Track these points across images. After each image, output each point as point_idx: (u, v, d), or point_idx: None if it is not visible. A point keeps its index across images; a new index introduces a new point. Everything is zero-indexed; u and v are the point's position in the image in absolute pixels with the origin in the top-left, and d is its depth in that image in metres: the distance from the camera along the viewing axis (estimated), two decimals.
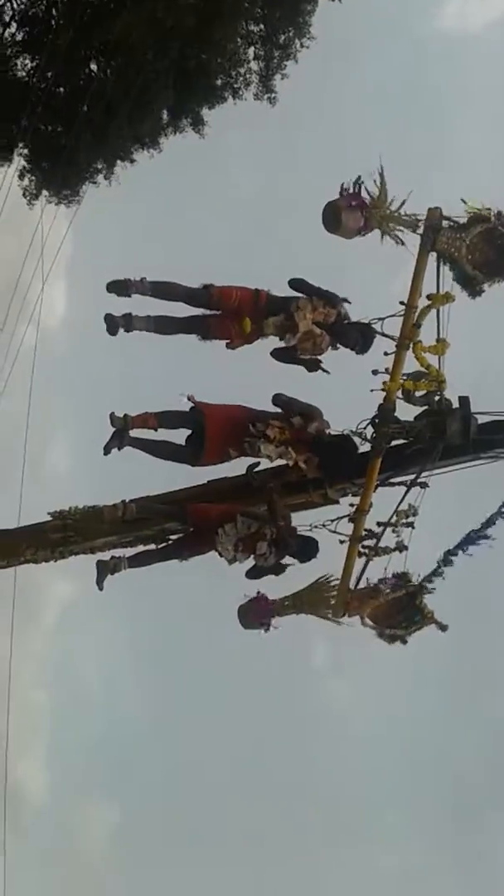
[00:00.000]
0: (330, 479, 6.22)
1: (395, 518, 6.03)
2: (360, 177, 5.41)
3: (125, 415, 5.97)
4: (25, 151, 15.63)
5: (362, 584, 6.12)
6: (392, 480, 6.19)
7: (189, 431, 6.23)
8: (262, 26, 14.97)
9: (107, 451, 6.04)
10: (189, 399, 6.12)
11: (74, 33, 14.05)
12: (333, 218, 5.50)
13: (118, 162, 15.97)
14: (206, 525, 5.93)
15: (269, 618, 5.88)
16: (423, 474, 6.18)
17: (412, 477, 6.17)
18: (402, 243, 5.60)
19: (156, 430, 6.08)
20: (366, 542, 6.10)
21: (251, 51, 15.29)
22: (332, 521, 6.05)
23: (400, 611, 6.15)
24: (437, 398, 5.96)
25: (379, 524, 6.02)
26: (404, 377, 5.86)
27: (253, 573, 5.98)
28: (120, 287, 6.01)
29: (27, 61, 15.19)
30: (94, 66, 15.06)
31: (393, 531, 6.04)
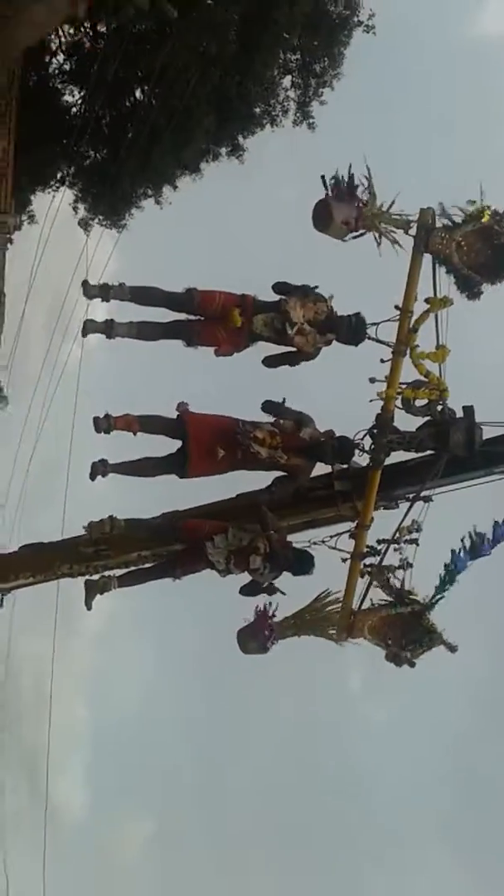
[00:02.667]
0: (359, 491, 5.66)
1: (397, 535, 5.47)
2: (338, 171, 4.88)
3: (107, 414, 5.57)
4: (74, 178, 15.55)
5: (366, 604, 5.55)
6: (396, 496, 5.64)
7: (174, 442, 5.78)
8: (298, 55, 14.47)
9: (92, 478, 5.66)
10: (177, 408, 5.65)
11: (120, 63, 13.91)
12: (324, 214, 5.09)
13: (164, 186, 15.83)
14: (199, 541, 5.46)
15: (270, 641, 5.35)
16: (431, 489, 5.64)
17: (415, 491, 5.59)
18: (397, 243, 5.08)
19: (135, 435, 5.64)
20: (368, 560, 5.54)
21: (288, 79, 14.83)
22: (332, 537, 5.51)
23: (407, 631, 5.58)
24: (439, 408, 5.39)
25: (380, 541, 5.47)
26: (404, 385, 5.32)
27: (247, 590, 5.48)
28: (97, 292, 5.62)
29: (74, 90, 15.17)
30: (138, 94, 14.90)
31: (396, 548, 5.47)
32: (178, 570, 5.63)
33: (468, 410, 5.49)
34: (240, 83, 14.56)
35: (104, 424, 5.53)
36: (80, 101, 14.96)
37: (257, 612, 5.40)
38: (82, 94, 14.82)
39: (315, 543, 5.57)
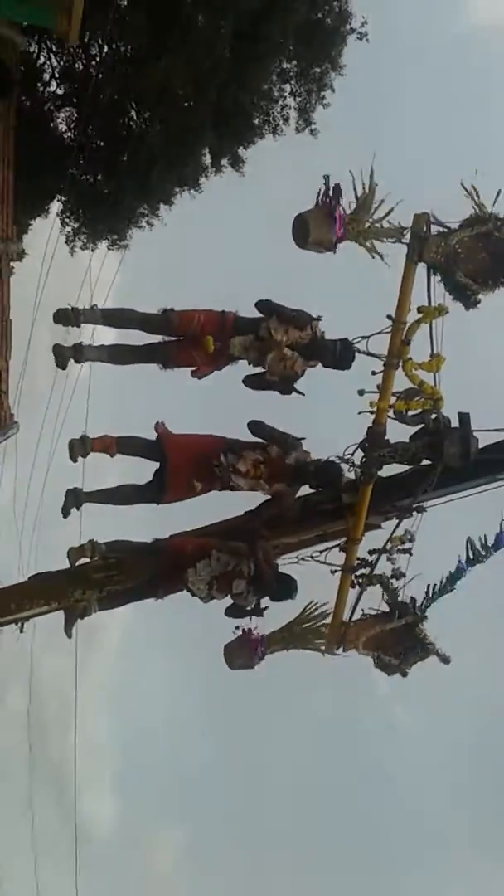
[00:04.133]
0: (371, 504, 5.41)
1: (389, 545, 5.23)
2: (327, 179, 4.59)
3: (83, 436, 5.30)
4: (66, 200, 15.44)
5: (357, 615, 5.32)
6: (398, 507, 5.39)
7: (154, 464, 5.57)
8: (295, 63, 14.24)
9: (65, 513, 5.40)
10: (155, 428, 5.39)
11: (114, 86, 13.68)
12: (302, 232, 4.80)
13: (160, 205, 15.62)
14: (182, 561, 5.27)
15: (258, 656, 5.12)
16: (428, 500, 5.40)
17: (409, 504, 5.35)
18: (382, 258, 4.82)
19: (112, 457, 5.35)
20: (360, 572, 5.30)
21: (287, 87, 14.61)
22: (322, 551, 5.29)
23: (399, 642, 5.35)
24: (433, 417, 5.14)
25: (371, 552, 5.23)
26: (397, 395, 5.06)
27: (232, 612, 5.24)
28: (67, 317, 5.34)
29: (67, 114, 15.06)
30: (133, 115, 14.71)
31: (388, 559, 5.24)
32: (160, 591, 5.42)
33: (463, 418, 5.30)
34: (236, 97, 14.29)
35: (80, 449, 5.23)
36: (74, 126, 14.77)
37: (244, 628, 5.15)
38: (77, 118, 14.61)
39: (304, 559, 5.31)
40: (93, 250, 16.16)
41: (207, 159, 15.24)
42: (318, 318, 5.41)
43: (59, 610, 5.58)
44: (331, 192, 4.61)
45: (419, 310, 5.00)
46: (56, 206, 15.95)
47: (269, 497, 5.44)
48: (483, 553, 5.40)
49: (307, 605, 5.35)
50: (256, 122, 15.03)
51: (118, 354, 5.46)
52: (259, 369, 5.43)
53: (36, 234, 16.54)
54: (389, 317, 4.94)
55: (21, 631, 5.79)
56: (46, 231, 15.63)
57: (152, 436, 5.50)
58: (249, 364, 5.45)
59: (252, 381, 5.50)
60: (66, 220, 15.91)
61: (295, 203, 4.77)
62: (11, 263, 14.34)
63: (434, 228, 4.84)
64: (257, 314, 5.44)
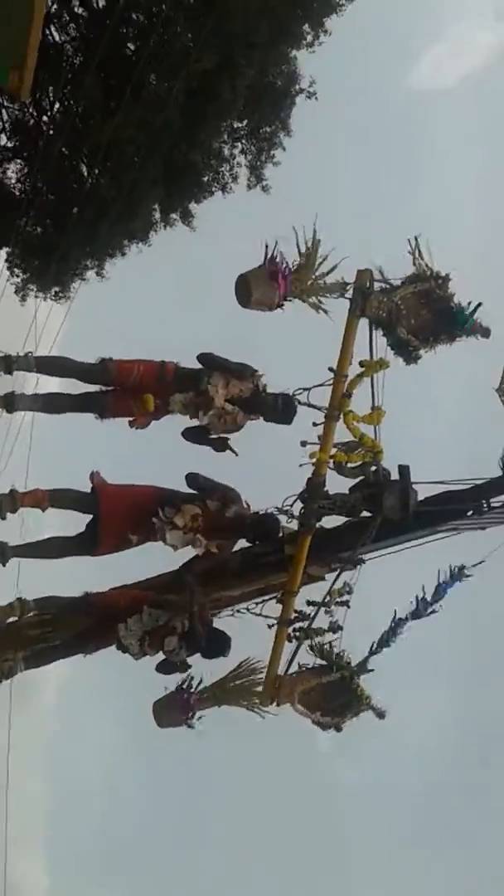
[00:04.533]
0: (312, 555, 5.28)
1: (328, 598, 5.13)
2: (276, 242, 4.56)
3: (12, 490, 5.08)
4: (13, 250, 15.36)
5: (292, 670, 5.17)
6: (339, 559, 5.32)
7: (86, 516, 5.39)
8: (245, 122, 14.56)
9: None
10: (91, 478, 5.24)
11: (64, 140, 13.77)
12: (244, 292, 4.74)
13: (107, 258, 15.70)
14: (113, 616, 5.06)
15: (190, 713, 4.91)
16: (371, 552, 5.35)
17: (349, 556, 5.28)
18: (326, 312, 4.81)
19: (44, 511, 5.16)
20: (297, 625, 5.18)
21: (238, 145, 14.91)
22: (258, 603, 5.16)
23: (335, 696, 5.21)
24: (373, 469, 5.11)
25: (309, 603, 5.12)
26: (338, 447, 5.02)
27: (163, 668, 5.05)
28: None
29: (17, 166, 15.08)
30: (83, 169, 14.76)
31: (326, 611, 5.13)
32: (90, 646, 5.24)
33: (403, 471, 5.27)
34: (186, 154, 14.49)
35: (9, 505, 5.03)
36: (24, 178, 14.80)
37: (177, 686, 4.96)
38: (27, 171, 14.66)
39: (240, 612, 5.17)
40: (45, 299, 16.13)
41: (157, 214, 15.42)
42: (259, 373, 5.34)
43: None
44: (272, 254, 4.60)
45: (361, 363, 5.01)
46: (2, 256, 15.85)
47: (203, 552, 5.27)
48: (423, 608, 5.35)
49: (242, 662, 5.18)
50: (206, 179, 15.25)
51: (52, 404, 5.33)
52: (198, 422, 5.33)
53: None
54: (331, 369, 4.94)
55: None
56: None
57: (87, 487, 5.33)
58: (190, 419, 5.35)
59: (191, 435, 5.41)
60: (14, 269, 15.84)
61: (246, 257, 4.77)
62: None
63: (377, 285, 4.90)
64: (198, 365, 5.37)
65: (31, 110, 14.54)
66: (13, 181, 15.03)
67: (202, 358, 5.35)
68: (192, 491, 5.35)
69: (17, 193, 14.98)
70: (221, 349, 5.51)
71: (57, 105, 14.06)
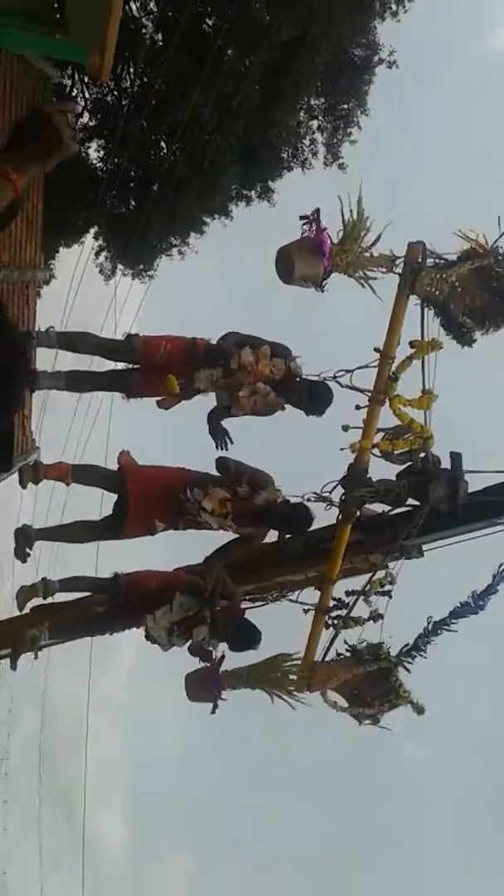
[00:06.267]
0: (372, 542, 4.96)
1: (368, 587, 4.76)
2: (316, 211, 4.11)
3: (37, 462, 4.84)
4: (99, 231, 15.19)
5: (329, 657, 4.85)
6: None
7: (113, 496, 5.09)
8: (322, 100, 13.95)
9: (19, 555, 4.85)
10: (118, 458, 4.95)
11: (144, 118, 13.47)
12: (286, 267, 4.32)
13: (190, 234, 15.37)
14: (142, 598, 4.83)
15: (219, 690, 4.64)
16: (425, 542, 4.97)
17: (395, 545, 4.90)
18: (373, 290, 4.36)
19: (68, 486, 4.90)
20: (335, 613, 4.84)
21: (314, 123, 14.31)
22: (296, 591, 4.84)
23: (372, 688, 4.85)
24: (421, 455, 4.69)
25: (348, 593, 4.77)
26: (385, 433, 4.62)
27: (196, 651, 4.77)
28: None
29: (98, 146, 14.78)
30: (162, 147, 14.46)
31: (366, 600, 4.77)
32: (116, 627, 4.97)
33: (455, 459, 4.82)
34: (264, 131, 14.03)
35: (31, 476, 4.78)
36: (105, 157, 14.60)
37: (210, 664, 4.71)
38: (107, 149, 14.42)
39: (274, 599, 4.85)
40: (130, 278, 16.00)
41: (235, 191, 15.02)
42: (295, 356, 4.92)
43: (65, 642, 5.11)
44: (316, 224, 4.17)
45: (411, 344, 4.58)
46: (84, 236, 15.77)
47: (237, 536, 4.97)
48: (472, 605, 4.92)
49: (277, 655, 4.79)
50: (284, 155, 14.78)
51: (76, 382, 5.01)
52: (224, 402, 4.94)
53: (64, 262, 16.33)
54: (377, 349, 4.53)
55: (35, 657, 5.22)
56: (74, 258, 15.42)
57: (116, 466, 5.03)
58: (217, 401, 4.96)
59: (214, 416, 4.98)
60: (100, 249, 15.74)
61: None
62: (38, 289, 14.18)
63: (429, 260, 4.45)
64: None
65: (111, 89, 14.28)
66: (95, 160, 14.81)
67: (230, 336, 4.94)
68: (222, 476, 4.99)
69: (100, 173, 14.80)
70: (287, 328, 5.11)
71: (137, 82, 13.75)
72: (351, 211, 4.31)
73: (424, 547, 5.15)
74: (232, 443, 4.91)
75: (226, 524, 4.80)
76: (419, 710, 4.91)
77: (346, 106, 14.25)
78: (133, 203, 14.69)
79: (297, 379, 4.91)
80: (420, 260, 4.39)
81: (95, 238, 15.34)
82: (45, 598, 4.87)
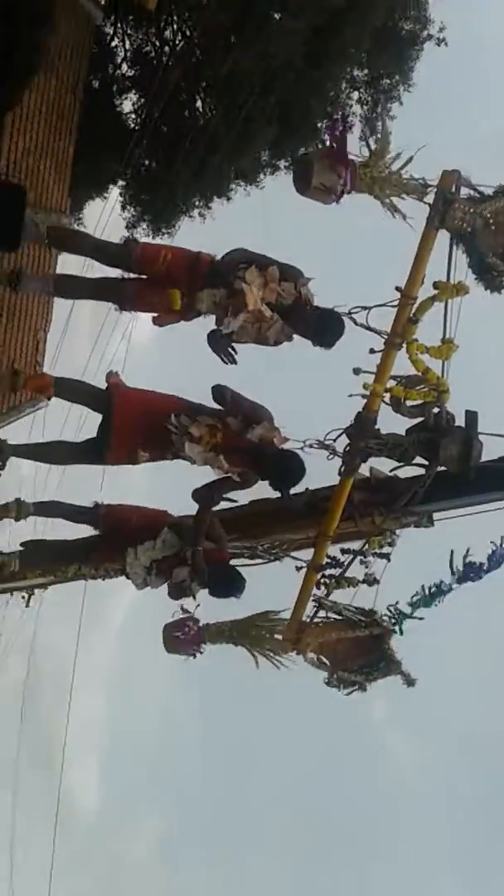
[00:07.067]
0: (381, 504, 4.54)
1: (366, 547, 4.36)
2: (343, 115, 3.68)
3: (15, 370, 4.44)
4: (126, 185, 14.65)
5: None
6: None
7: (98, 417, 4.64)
8: (366, 71, 13.37)
9: None
10: (107, 378, 4.53)
11: (183, 72, 12.97)
12: (304, 176, 3.89)
13: (215, 198, 14.77)
14: (123, 532, 4.42)
15: (198, 643, 4.27)
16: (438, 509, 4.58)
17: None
18: (403, 216, 3.92)
19: (49, 400, 4.50)
20: (328, 572, 4.44)
21: (356, 94, 13.70)
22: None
23: (362, 654, 4.46)
24: (434, 411, 4.27)
25: (344, 552, 4.37)
26: (398, 381, 4.19)
27: (175, 594, 4.38)
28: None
29: (134, 97, 14.21)
30: (198, 104, 13.95)
31: (362, 562, 4.37)
32: (92, 559, 4.55)
33: (471, 418, 4.38)
34: (304, 97, 13.48)
35: (9, 383, 4.40)
36: (139, 110, 14.03)
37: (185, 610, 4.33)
38: (143, 101, 13.88)
39: (272, 557, 4.45)
40: (153, 235, 15.55)
41: (266, 156, 14.52)
42: (307, 279, 4.42)
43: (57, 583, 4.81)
44: (343, 127, 3.75)
45: (435, 286, 4.13)
46: (112, 189, 15.30)
47: (226, 476, 4.47)
48: (473, 572, 4.52)
49: (264, 613, 4.41)
50: (320, 125, 14.23)
51: (65, 287, 4.56)
52: (227, 328, 4.38)
53: (90, 214, 15.90)
54: (398, 288, 4.07)
55: (27, 605, 5.02)
56: (99, 210, 14.99)
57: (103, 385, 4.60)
58: (217, 325, 4.42)
59: (213, 341, 4.43)
60: (127, 205, 15.29)
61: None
62: None
63: (464, 192, 4.00)
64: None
65: (152, 39, 13.81)
66: (129, 112, 14.30)
67: (236, 252, 4.44)
68: (218, 408, 4.53)
69: (132, 125, 14.34)
70: None
71: (179, 35, 13.29)
72: (377, 132, 3.91)
73: (440, 516, 4.76)
74: (237, 354, 4.46)
75: (213, 460, 4.36)
76: (409, 681, 4.52)
77: (388, 80, 13.69)
78: (163, 159, 14.16)
79: (308, 307, 4.44)
80: (454, 190, 3.96)
81: (122, 192, 14.91)
82: (17, 520, 4.50)
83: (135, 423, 4.42)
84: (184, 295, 4.35)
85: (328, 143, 3.90)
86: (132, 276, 4.51)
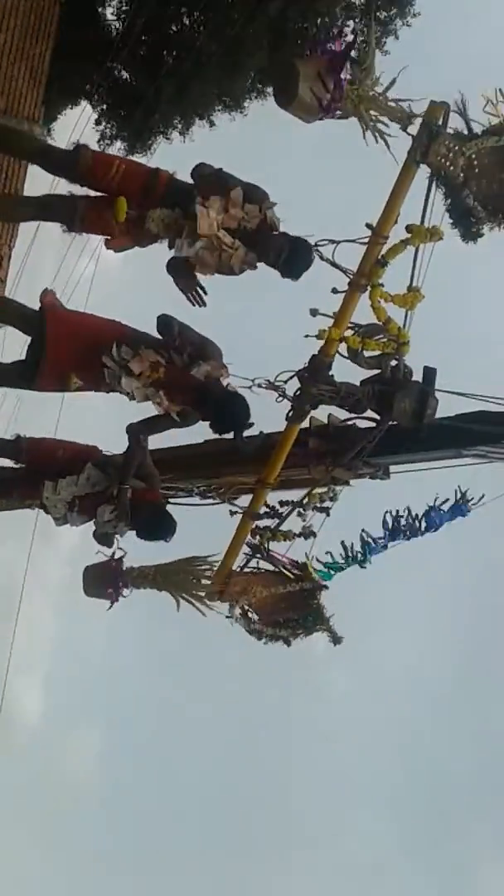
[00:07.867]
0: (336, 453, 4.21)
1: (306, 499, 4.08)
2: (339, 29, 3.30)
3: None
4: (100, 95, 13.79)
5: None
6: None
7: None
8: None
9: None
10: (41, 297, 4.07)
11: None
12: (289, 87, 3.48)
13: (196, 120, 13.94)
14: (47, 466, 4.12)
15: (119, 587, 3.98)
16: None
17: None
18: (387, 143, 3.53)
19: None
20: (264, 522, 4.17)
21: (351, 23, 12.92)
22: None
23: (290, 608, 4.24)
24: (392, 363, 3.96)
25: (283, 503, 4.09)
26: (353, 328, 3.86)
27: (101, 538, 4.07)
28: None
29: (116, 3, 13.27)
30: (185, 18, 13.00)
31: (300, 514, 4.10)
32: (14, 495, 4.27)
33: (428, 374, 4.07)
34: (298, 21, 12.69)
35: None
36: (123, 16, 13.06)
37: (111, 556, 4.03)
38: (126, 8, 12.95)
39: (197, 493, 4.15)
40: (128, 153, 14.70)
41: (253, 84, 13.76)
42: (271, 202, 3.95)
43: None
44: (332, 43, 3.33)
45: (408, 228, 3.77)
46: (87, 99, 14.36)
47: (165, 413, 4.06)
48: (409, 529, 4.32)
49: (191, 558, 4.17)
50: (308, 53, 13.45)
51: (6, 208, 4.11)
52: (182, 253, 3.91)
53: (63, 127, 14.97)
54: (369, 225, 3.71)
55: None
56: (74, 122, 14.08)
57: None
58: (170, 249, 3.95)
59: (172, 269, 3.97)
60: (101, 116, 14.37)
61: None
62: None
63: (450, 129, 3.60)
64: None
65: None
66: (111, 19, 13.34)
67: (199, 168, 3.98)
68: (163, 338, 4.09)
69: (114, 32, 13.38)
70: None
71: None
72: (364, 49, 3.50)
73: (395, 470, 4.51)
74: (206, 295, 3.99)
75: (152, 395, 3.97)
76: (336, 639, 4.32)
77: (386, 13, 12.97)
78: (144, 73, 13.31)
79: (274, 232, 4.02)
80: (440, 122, 3.57)
81: (97, 103, 14.00)
82: None
83: (69, 348, 3.96)
84: (133, 210, 3.85)
85: (319, 53, 3.49)
86: (81, 193, 3.99)
